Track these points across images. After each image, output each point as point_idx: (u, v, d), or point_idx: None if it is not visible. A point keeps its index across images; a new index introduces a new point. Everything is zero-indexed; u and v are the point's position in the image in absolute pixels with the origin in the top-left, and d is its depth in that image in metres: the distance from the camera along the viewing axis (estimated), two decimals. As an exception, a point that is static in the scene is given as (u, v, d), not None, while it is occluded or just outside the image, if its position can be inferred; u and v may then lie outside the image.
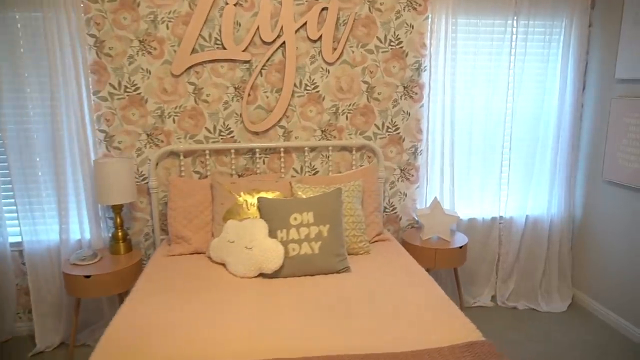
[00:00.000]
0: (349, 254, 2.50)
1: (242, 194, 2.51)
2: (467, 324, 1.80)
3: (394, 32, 2.91)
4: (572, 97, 3.07)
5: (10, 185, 2.66)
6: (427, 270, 2.81)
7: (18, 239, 2.73)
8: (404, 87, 3.00)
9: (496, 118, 3.07)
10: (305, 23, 2.78)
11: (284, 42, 2.79)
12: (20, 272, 2.82)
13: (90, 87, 2.69)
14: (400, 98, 3.01)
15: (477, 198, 3.18)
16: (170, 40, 2.71)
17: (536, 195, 3.21)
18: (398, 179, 3.13)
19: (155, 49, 2.71)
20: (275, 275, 2.23)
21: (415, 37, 2.94)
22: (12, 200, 2.69)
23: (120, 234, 2.69)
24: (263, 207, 2.37)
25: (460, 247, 2.81)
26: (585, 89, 3.16)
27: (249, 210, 2.46)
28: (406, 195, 3.17)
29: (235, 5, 2.71)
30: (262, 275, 2.24)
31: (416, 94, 3.02)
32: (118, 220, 2.69)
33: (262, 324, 1.79)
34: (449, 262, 2.80)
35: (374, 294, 2.04)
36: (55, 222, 2.73)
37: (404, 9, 2.89)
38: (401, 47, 2.94)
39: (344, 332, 1.74)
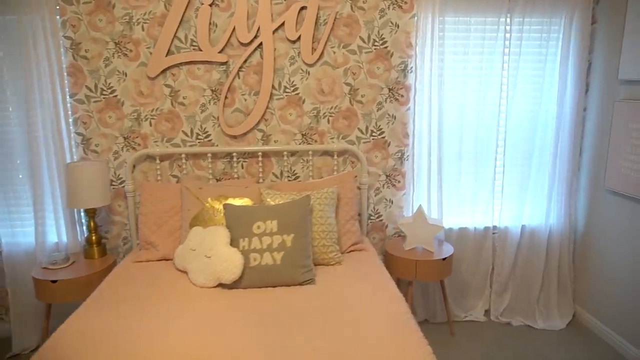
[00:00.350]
0: (319, 265, 2.39)
1: (209, 200, 2.44)
2: (423, 347, 1.67)
3: (378, 32, 2.78)
4: (572, 99, 2.86)
5: (-12, 187, 2.69)
6: (410, 282, 2.68)
7: (-4, 240, 2.76)
8: (389, 89, 2.86)
9: (489, 121, 2.89)
10: (283, 23, 2.68)
11: (261, 43, 2.70)
12: (1, 273, 2.84)
13: (67, 89, 2.68)
14: (385, 101, 2.87)
15: (468, 206, 3.00)
16: (145, 42, 2.67)
17: (533, 204, 3.01)
18: (383, 185, 2.99)
19: (130, 50, 2.68)
20: (234, 285, 2.15)
21: (401, 36, 2.79)
22: (-9, 201, 2.71)
23: (94, 238, 2.67)
24: (227, 214, 2.29)
25: (444, 259, 2.64)
26: (588, 91, 2.94)
27: (215, 217, 2.38)
28: (392, 202, 3.02)
29: (210, 5, 2.64)
30: (221, 285, 2.16)
31: (402, 96, 2.88)
32: (92, 224, 2.67)
33: (207, 338, 1.71)
34: (431, 274, 2.65)
35: (331, 309, 1.93)
36: (33, 225, 2.74)
37: (388, 8, 2.75)
38: (386, 47, 2.80)
39: (288, 349, 1.63)
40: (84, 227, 2.80)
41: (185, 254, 2.27)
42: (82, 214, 2.76)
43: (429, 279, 2.67)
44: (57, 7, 2.57)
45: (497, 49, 2.79)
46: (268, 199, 2.44)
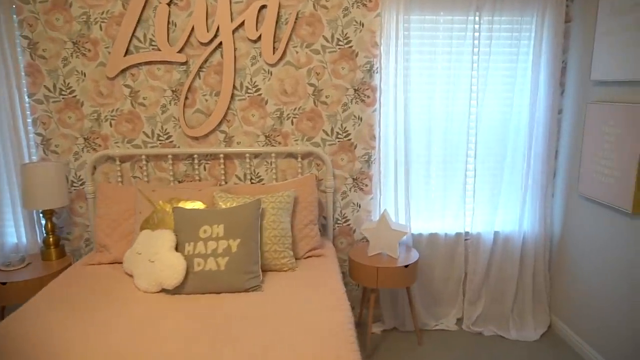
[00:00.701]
0: (271, 271, 2.32)
1: (160, 202, 2.38)
2: (352, 360, 1.59)
3: (342, 31, 2.70)
4: (546, 101, 2.74)
5: (-53, 188, 2.68)
6: (373, 289, 2.59)
7: (-44, 240, 2.74)
8: (355, 90, 2.78)
9: (458, 123, 2.79)
10: (243, 22, 2.62)
11: (221, 43, 2.64)
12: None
13: (25, 89, 2.65)
14: (351, 102, 2.79)
15: (438, 211, 2.91)
16: (104, 42, 2.63)
17: (506, 209, 2.90)
18: (350, 188, 2.91)
19: (89, 50, 2.64)
20: (177, 291, 2.09)
21: (366, 35, 2.71)
22: (-50, 202, 2.70)
23: (51, 239, 2.64)
24: (176, 218, 2.23)
25: (406, 266, 2.55)
26: (564, 92, 2.82)
27: (165, 220, 2.33)
28: (360, 207, 2.94)
29: (169, 4, 2.59)
30: (165, 290, 2.10)
31: (368, 97, 2.79)
32: (49, 225, 2.64)
33: (137, 344, 1.66)
34: (393, 281, 2.56)
35: (270, 318, 1.86)
36: (-6, 225, 2.72)
37: (352, 6, 2.67)
38: (350, 47, 2.72)
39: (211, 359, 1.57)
40: (43, 229, 2.77)
41: (132, 257, 2.22)
42: (40, 215, 2.72)
43: (392, 287, 2.58)
44: (13, 7, 2.55)
45: (466, 49, 2.69)
46: (220, 203, 2.38)
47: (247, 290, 2.11)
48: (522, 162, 2.83)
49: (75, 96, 2.69)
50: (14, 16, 2.56)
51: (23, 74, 2.63)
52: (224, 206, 2.35)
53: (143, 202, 2.41)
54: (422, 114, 2.77)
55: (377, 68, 2.74)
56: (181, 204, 2.36)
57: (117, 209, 2.51)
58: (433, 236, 2.95)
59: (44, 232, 2.66)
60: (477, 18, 2.66)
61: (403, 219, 2.85)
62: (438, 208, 2.90)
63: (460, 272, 3.00)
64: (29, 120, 2.69)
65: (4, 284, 2.37)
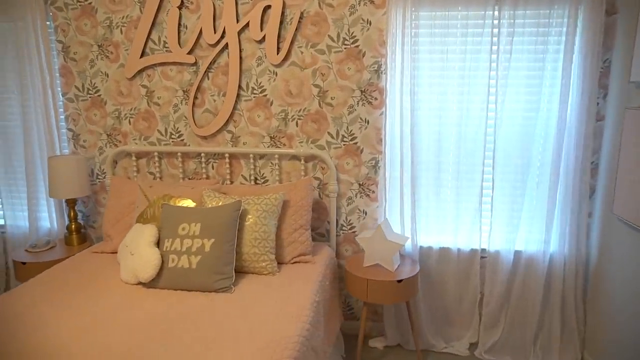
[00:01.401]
0: (250, 273, 2.30)
1: (154, 198, 2.48)
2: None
3: (348, 30, 2.59)
4: (580, 106, 2.38)
5: (-4, 175, 3.04)
6: (365, 302, 2.45)
7: (2, 222, 3.11)
8: (362, 92, 2.65)
9: (474, 129, 2.53)
10: (249, 23, 2.63)
11: (228, 44, 2.68)
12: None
13: (59, 89, 2.92)
14: (357, 104, 2.67)
15: (450, 224, 2.67)
16: (124, 45, 2.81)
17: (530, 227, 2.58)
18: (356, 194, 2.79)
19: (112, 52, 2.83)
20: (152, 285, 2.15)
21: (374, 34, 2.57)
22: (-2, 188, 3.07)
23: (73, 226, 2.88)
24: (162, 214, 2.30)
25: (399, 281, 2.37)
26: (607, 97, 2.43)
27: (157, 215, 2.41)
28: (366, 214, 2.80)
29: (180, 7, 2.69)
30: (142, 283, 2.18)
31: (375, 99, 2.65)
32: (72, 213, 2.87)
33: (95, 331, 1.74)
34: (384, 296, 2.39)
35: (225, 321, 1.84)
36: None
37: (359, 3, 2.55)
38: (357, 46, 2.60)
39: (148, 351, 1.59)
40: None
41: (121, 249, 2.34)
42: (64, 203, 2.97)
43: (383, 302, 2.42)
44: (50, 14, 2.82)
45: (483, 47, 2.43)
46: (207, 201, 2.41)
47: (216, 291, 2.11)
48: (549, 174, 2.49)
49: (99, 95, 2.90)
50: (49, 23, 2.83)
51: (57, 75, 2.90)
52: (209, 205, 2.38)
53: (140, 197, 2.52)
54: (431, 117, 2.56)
55: (385, 68, 2.59)
56: (172, 201, 2.43)
57: (123, 201, 2.66)
58: (444, 251, 2.71)
59: (68, 219, 2.91)
60: (496, 12, 2.39)
61: (409, 229, 2.66)
62: (450, 221, 2.66)
63: (476, 292, 2.72)
64: (61, 117, 2.96)
65: (24, 264, 2.63)
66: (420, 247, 2.72)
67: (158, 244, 2.23)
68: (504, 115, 2.49)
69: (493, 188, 2.58)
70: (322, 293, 2.22)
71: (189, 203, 2.43)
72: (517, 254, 2.62)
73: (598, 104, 2.43)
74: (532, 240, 2.58)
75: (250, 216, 2.33)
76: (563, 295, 2.59)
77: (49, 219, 3.03)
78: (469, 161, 2.58)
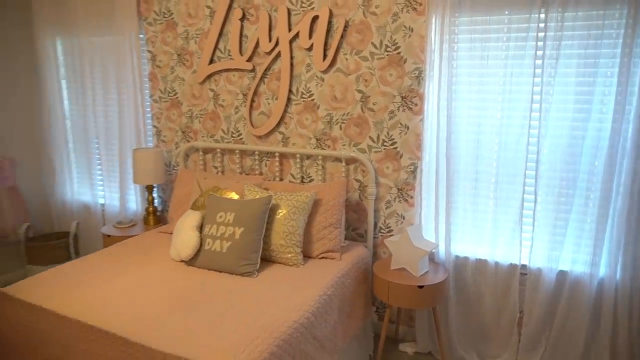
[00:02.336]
0: (277, 263, 2.50)
1: (205, 189, 2.80)
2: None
3: (391, 37, 2.65)
4: (638, 114, 2.15)
5: (99, 162, 3.67)
6: (388, 306, 2.50)
7: (102, 200, 3.74)
8: (402, 97, 2.69)
9: (515, 138, 2.42)
10: (299, 32, 2.84)
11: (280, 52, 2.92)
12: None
13: (147, 91, 3.43)
14: (398, 109, 2.71)
15: (487, 236, 2.58)
16: (197, 53, 3.21)
17: (577, 246, 2.38)
18: (395, 198, 2.82)
19: (187, 60, 3.25)
20: (191, 263, 2.46)
21: (415, 41, 2.60)
22: (101, 172, 3.70)
23: (150, 209, 3.36)
24: (207, 202, 2.61)
25: (420, 287, 2.38)
26: (676, 106, 2.16)
27: (205, 203, 2.73)
28: (404, 219, 2.82)
29: (241, 20, 2.99)
30: (184, 261, 2.50)
31: (416, 105, 2.67)
32: (149, 198, 3.36)
33: (132, 296, 2.08)
34: (406, 300, 2.41)
35: (239, 301, 2.06)
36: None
37: (401, 11, 2.60)
38: (399, 53, 2.65)
39: (166, 317, 1.88)
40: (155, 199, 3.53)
41: (175, 230, 2.70)
42: (155, 188, 3.45)
43: (404, 306, 2.44)
44: (143, 29, 3.33)
45: (527, 52, 2.32)
46: (247, 194, 2.66)
47: (242, 275, 2.34)
48: (599, 190, 2.28)
49: (177, 97, 3.35)
50: (142, 35, 3.35)
51: (146, 79, 3.41)
52: (247, 198, 2.62)
53: (196, 187, 2.87)
54: (470, 125, 2.50)
55: (425, 75, 2.59)
56: (219, 192, 2.73)
57: (185, 190, 3.04)
58: (481, 263, 2.62)
59: (146, 202, 3.40)
60: (542, 15, 2.26)
61: (442, 238, 2.63)
62: (487, 232, 2.57)
63: (515, 310, 2.59)
64: (148, 115, 3.47)
65: (109, 236, 3.16)
66: (456, 256, 2.66)
67: (202, 228, 2.53)
68: (549, 124, 2.34)
69: (535, 201, 2.43)
70: (338, 289, 2.33)
71: (232, 195, 2.71)
72: (562, 274, 2.44)
73: (663, 114, 2.16)
74: (579, 261, 2.38)
75: (281, 210, 2.52)
76: (614, 326, 2.34)
77: (135, 201, 3.57)
78: (510, 172, 2.47)
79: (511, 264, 2.55)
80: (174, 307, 1.99)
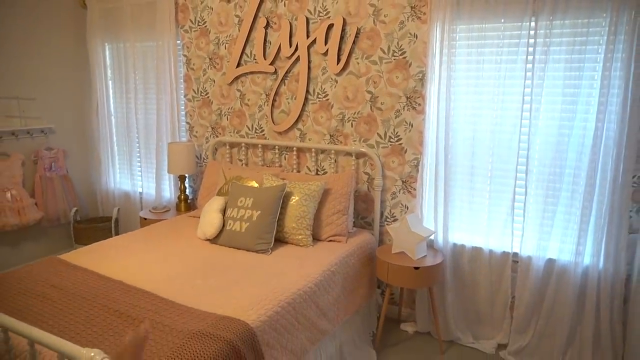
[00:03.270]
0: (290, 244, 2.81)
1: (229, 177, 3.15)
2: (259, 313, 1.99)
3: (398, 43, 2.92)
4: (621, 116, 2.34)
5: (139, 154, 4.11)
6: (387, 285, 2.76)
7: (140, 189, 4.17)
8: (407, 98, 2.96)
9: (508, 136, 2.65)
10: (316, 39, 3.15)
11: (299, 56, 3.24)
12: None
13: (182, 92, 3.83)
14: (403, 108, 2.98)
15: (482, 225, 2.80)
16: (226, 57, 3.57)
17: (564, 237, 2.58)
18: (400, 190, 3.09)
19: (217, 63, 3.63)
20: (215, 241, 2.81)
21: (419, 46, 2.86)
22: (139, 164, 4.13)
23: (182, 196, 3.75)
24: (230, 189, 2.96)
25: (416, 268, 2.63)
26: (656, 107, 2.33)
27: (228, 190, 3.08)
28: (407, 208, 3.08)
29: (265, 27, 3.33)
30: (209, 239, 2.85)
31: (419, 105, 2.93)
32: (181, 186, 3.75)
33: (160, 266, 2.44)
34: (403, 280, 2.68)
35: (250, 273, 2.38)
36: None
37: (407, 19, 2.87)
38: (404, 58, 2.92)
39: (195, 280, 2.24)
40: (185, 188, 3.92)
41: (202, 213, 3.06)
42: (186, 178, 3.84)
43: (401, 285, 2.70)
44: (180, 35, 3.73)
45: (519, 57, 2.54)
46: (265, 183, 2.99)
47: (257, 252, 2.67)
48: (584, 185, 2.47)
49: (208, 97, 3.73)
50: (179, 42, 3.75)
51: (181, 81, 3.81)
52: (265, 186, 2.95)
53: (221, 177, 3.23)
54: (467, 123, 2.74)
55: (428, 77, 2.85)
56: (241, 181, 3.07)
57: (212, 180, 3.41)
58: (476, 250, 2.85)
59: (179, 190, 3.79)
60: (532, 23, 2.48)
61: (441, 226, 2.87)
62: (482, 222, 2.80)
63: (507, 295, 2.80)
64: (182, 113, 3.87)
65: (145, 219, 3.57)
66: (454, 244, 2.90)
67: (225, 211, 2.88)
68: (539, 123, 2.55)
69: (526, 194, 2.64)
70: (342, 267, 2.62)
71: (253, 183, 3.05)
72: (549, 262, 2.63)
73: (644, 115, 2.34)
74: (565, 250, 2.57)
75: (294, 197, 2.84)
76: (597, 311, 2.52)
77: (169, 190, 3.97)
78: (503, 167, 2.69)
79: (504, 252, 2.77)
80: (197, 274, 2.34)
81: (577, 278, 2.54)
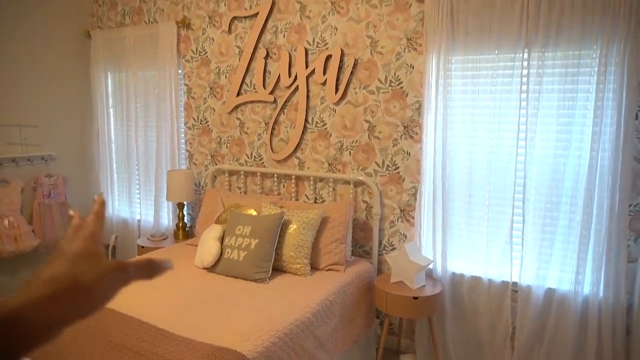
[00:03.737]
0: (287, 272, 2.79)
1: (228, 205, 3.16)
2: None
3: (394, 73, 2.98)
4: (614, 144, 2.37)
5: (138, 181, 4.12)
6: (386, 315, 2.73)
7: (139, 216, 4.17)
8: (404, 127, 2.99)
9: (504, 165, 2.67)
10: (314, 69, 3.21)
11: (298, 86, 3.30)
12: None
13: (182, 120, 3.88)
14: (401, 137, 3.01)
15: (481, 255, 2.79)
16: (226, 87, 3.64)
17: (563, 265, 2.57)
18: (398, 219, 3.09)
19: (218, 92, 3.69)
20: (212, 270, 2.80)
21: (416, 77, 2.92)
22: (139, 191, 4.14)
23: (180, 224, 3.75)
24: (229, 217, 2.96)
25: (415, 298, 2.61)
26: (649, 137, 2.37)
27: (227, 218, 3.08)
28: (406, 237, 3.08)
29: (265, 58, 3.41)
30: (206, 268, 2.84)
31: (416, 134, 2.96)
32: (180, 214, 3.75)
33: (155, 294, 2.42)
34: (401, 310, 2.65)
35: (246, 303, 2.36)
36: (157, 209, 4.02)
37: (404, 50, 2.93)
38: (401, 87, 2.97)
39: (188, 311, 2.21)
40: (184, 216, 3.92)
41: (200, 241, 3.05)
42: (185, 206, 3.85)
43: (400, 315, 2.68)
44: (181, 65, 3.81)
45: (513, 87, 2.59)
46: (263, 211, 2.99)
47: (255, 281, 2.65)
48: (581, 214, 2.48)
49: (208, 125, 3.77)
50: (180, 71, 3.82)
51: (182, 109, 3.87)
52: (265, 214, 2.96)
53: (220, 204, 3.24)
54: (463, 152, 2.77)
55: (424, 107, 2.90)
56: (240, 209, 3.08)
57: (210, 208, 3.41)
58: (475, 279, 2.83)
59: (177, 218, 3.79)
60: (525, 55, 2.54)
61: (439, 255, 2.86)
62: (481, 251, 2.79)
63: (508, 325, 2.76)
64: (182, 141, 3.91)
65: (142, 247, 3.55)
66: (453, 273, 2.88)
67: (223, 239, 2.87)
68: (535, 152, 2.58)
69: (524, 222, 2.64)
70: (340, 296, 2.59)
71: (251, 211, 3.05)
72: (549, 291, 2.61)
73: None
74: (565, 280, 2.56)
75: (292, 225, 2.84)
76: (600, 341, 2.49)
77: (167, 217, 3.97)
78: (500, 195, 2.70)
79: (503, 281, 2.75)
80: (194, 303, 2.32)
81: (578, 307, 2.52)
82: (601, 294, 2.46)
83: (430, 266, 2.87)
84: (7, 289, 3.77)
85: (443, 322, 2.88)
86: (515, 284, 2.72)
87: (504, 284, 2.75)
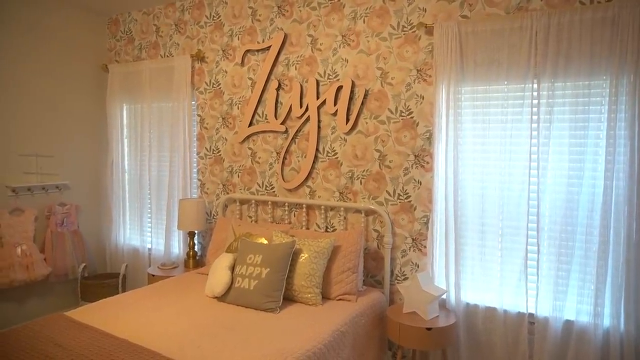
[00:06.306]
0: (298, 302, 2.76)
1: (239, 234, 3.16)
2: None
3: (405, 104, 3.02)
4: (628, 173, 2.36)
5: (150, 210, 4.15)
6: (398, 347, 2.68)
7: (150, 245, 4.17)
8: (415, 156, 3.01)
9: (517, 194, 2.65)
10: (325, 100, 3.27)
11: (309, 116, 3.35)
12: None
13: (195, 149, 3.94)
14: (412, 167, 3.02)
15: (495, 285, 2.74)
16: (239, 117, 3.70)
17: (580, 296, 2.51)
18: (410, 248, 3.06)
19: (230, 123, 3.75)
20: (222, 299, 2.77)
21: (426, 107, 2.95)
22: (150, 220, 4.16)
23: (190, 253, 3.74)
24: (239, 246, 2.96)
25: (428, 329, 2.55)
26: (664, 165, 2.35)
27: (238, 247, 3.07)
28: (418, 267, 3.04)
29: (277, 89, 3.48)
30: (216, 297, 2.81)
31: (427, 163, 2.97)
32: (190, 243, 3.75)
33: (166, 324, 2.39)
34: (415, 342, 2.58)
35: (256, 333, 2.32)
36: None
37: (414, 82, 2.98)
38: (412, 117, 3.00)
39: (199, 342, 2.18)
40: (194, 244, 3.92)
41: (210, 270, 3.04)
42: (195, 235, 3.86)
43: (413, 347, 2.61)
44: (195, 96, 3.90)
45: (524, 117, 2.61)
46: (274, 239, 2.98)
47: (265, 310, 2.62)
48: (597, 243, 2.44)
49: (220, 155, 3.82)
50: (194, 102, 3.91)
51: (195, 139, 3.93)
52: (276, 242, 2.95)
53: (230, 233, 3.24)
54: (475, 182, 2.76)
55: (435, 136, 2.92)
56: (250, 238, 3.08)
57: (221, 236, 3.41)
58: (490, 310, 2.77)
59: (188, 247, 3.79)
60: (534, 85, 2.57)
61: (452, 285, 2.81)
62: (495, 281, 2.74)
63: (525, 358, 2.68)
64: (194, 170, 3.95)
65: (153, 276, 3.54)
66: (467, 304, 2.82)
67: (234, 268, 2.86)
68: (547, 181, 2.56)
69: (538, 252, 2.61)
70: (352, 327, 2.55)
71: (262, 240, 3.04)
72: (567, 323, 2.55)
73: (653, 173, 2.35)
74: (583, 311, 2.50)
75: (303, 254, 2.82)
76: (622, 376, 2.40)
77: (178, 246, 3.97)
78: (513, 224, 2.67)
79: (519, 312, 2.69)
80: (204, 333, 2.29)
81: (599, 341, 2.44)
82: (622, 327, 2.39)
83: (444, 296, 2.82)
84: (17, 317, 3.76)
85: (457, 354, 2.80)
86: (531, 315, 2.66)
87: (520, 315, 2.68)
